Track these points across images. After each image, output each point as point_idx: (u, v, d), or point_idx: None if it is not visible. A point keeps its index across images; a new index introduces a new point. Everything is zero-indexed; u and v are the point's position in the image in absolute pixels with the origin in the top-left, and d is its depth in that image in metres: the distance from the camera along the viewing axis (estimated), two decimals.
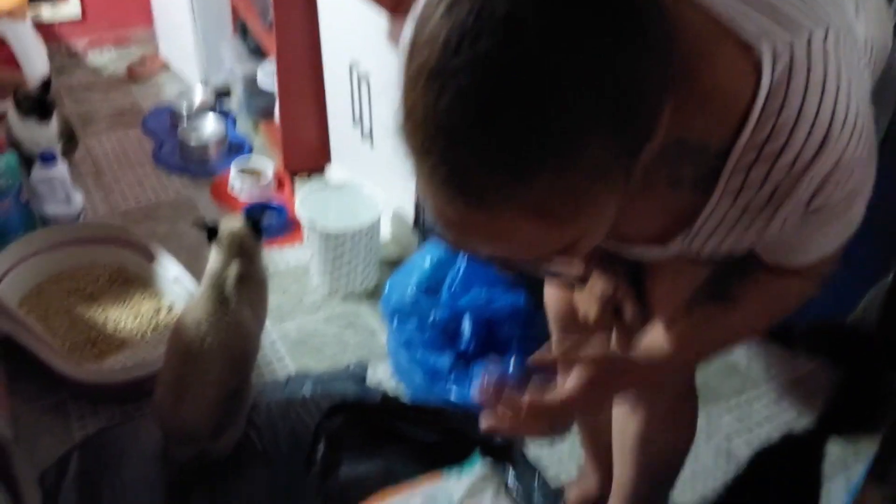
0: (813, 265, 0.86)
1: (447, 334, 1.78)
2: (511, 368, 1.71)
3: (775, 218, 0.75)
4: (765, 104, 0.69)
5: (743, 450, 1.66)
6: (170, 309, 1.85)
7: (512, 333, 1.75)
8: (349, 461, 1.44)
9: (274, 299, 1.59)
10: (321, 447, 1.41)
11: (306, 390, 1.60)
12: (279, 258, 2.15)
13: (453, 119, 0.56)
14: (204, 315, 1.38)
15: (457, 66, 0.55)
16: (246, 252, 1.46)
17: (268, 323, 1.67)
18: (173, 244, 2.03)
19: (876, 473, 1.19)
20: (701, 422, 1.74)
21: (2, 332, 1.67)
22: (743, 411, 1.76)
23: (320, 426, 1.44)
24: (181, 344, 1.37)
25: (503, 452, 1.51)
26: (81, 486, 1.38)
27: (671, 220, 0.81)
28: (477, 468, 1.45)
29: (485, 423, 0.90)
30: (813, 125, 0.69)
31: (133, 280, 1.93)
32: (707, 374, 1.18)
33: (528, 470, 1.47)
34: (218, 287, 1.42)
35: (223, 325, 1.38)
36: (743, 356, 1.88)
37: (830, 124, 0.69)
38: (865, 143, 0.73)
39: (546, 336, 1.59)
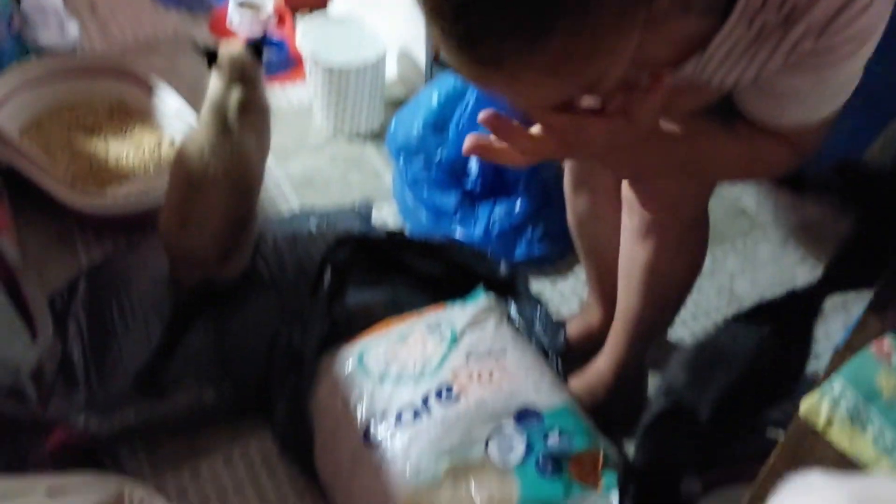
0: (796, 132, 0.86)
1: (454, 173, 1.75)
2: (517, 209, 1.70)
3: (784, 41, 0.74)
4: None
5: (745, 290, 1.68)
6: (172, 142, 1.82)
7: (519, 174, 1.72)
8: (355, 290, 1.46)
9: (277, 138, 1.56)
10: (327, 275, 1.42)
11: (312, 226, 1.59)
12: (281, 96, 2.10)
13: None
14: (206, 142, 1.35)
15: None
16: (247, 78, 1.41)
17: (272, 162, 1.64)
18: (172, 80, 1.97)
19: (877, 304, 1.19)
20: (705, 261, 1.75)
21: (3, 161, 1.66)
22: (748, 253, 1.76)
23: (327, 257, 1.44)
24: (184, 171, 1.35)
25: (506, 287, 1.52)
26: (90, 308, 1.41)
27: (684, 47, 0.80)
28: (480, 300, 1.46)
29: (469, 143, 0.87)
30: None
31: (133, 113, 1.89)
32: (714, 216, 1.18)
33: (530, 303, 1.49)
34: (219, 114, 1.38)
35: (226, 152, 1.35)
36: (752, 199, 1.87)
37: None
38: None
39: (553, 176, 1.57)
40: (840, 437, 0.94)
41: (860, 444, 0.93)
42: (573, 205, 1.36)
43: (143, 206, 1.62)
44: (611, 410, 1.39)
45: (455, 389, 1.27)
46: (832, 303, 1.67)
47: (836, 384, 0.96)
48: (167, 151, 1.80)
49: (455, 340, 1.37)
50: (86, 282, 1.45)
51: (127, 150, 1.79)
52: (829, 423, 0.95)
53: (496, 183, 1.74)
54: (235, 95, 1.40)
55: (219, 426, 1.39)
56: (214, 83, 1.42)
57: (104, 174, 1.73)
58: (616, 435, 1.32)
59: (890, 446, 0.91)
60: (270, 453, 1.36)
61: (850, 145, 1.72)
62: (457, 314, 1.42)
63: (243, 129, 1.38)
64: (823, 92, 0.81)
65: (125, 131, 1.85)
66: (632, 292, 1.28)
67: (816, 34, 0.73)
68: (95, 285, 1.45)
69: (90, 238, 1.67)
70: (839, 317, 1.65)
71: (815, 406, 0.97)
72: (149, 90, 1.88)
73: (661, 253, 1.21)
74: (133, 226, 1.65)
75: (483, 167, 1.73)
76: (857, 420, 0.93)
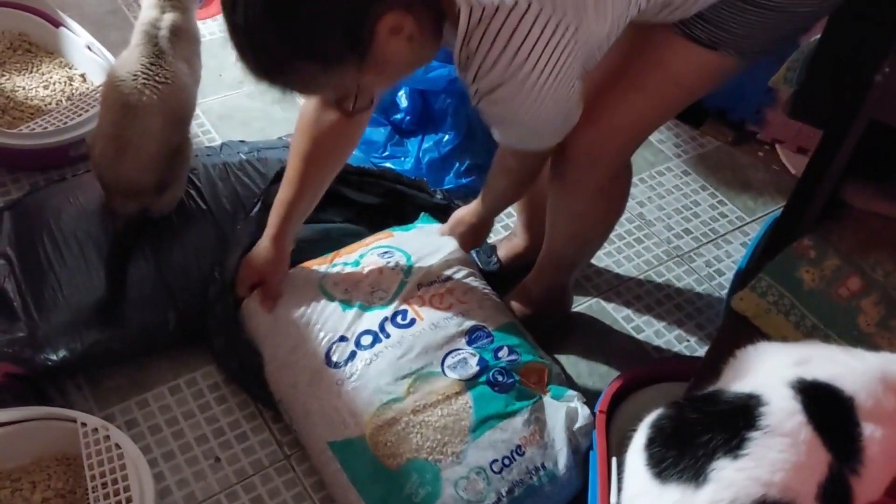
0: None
1: (382, 109, 1.78)
2: (446, 141, 1.75)
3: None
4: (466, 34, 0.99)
5: (653, 215, 1.81)
6: (83, 78, 1.75)
7: (446, 110, 1.76)
8: None
9: None
10: (256, 209, 1.40)
11: (242, 155, 1.58)
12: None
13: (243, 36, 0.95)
14: (139, 67, 1.32)
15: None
16: (180, 3, 1.39)
17: None
18: (74, 14, 1.89)
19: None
20: None
21: None
22: (655, 181, 1.89)
23: (265, 192, 1.42)
24: (118, 97, 1.31)
25: (442, 214, 1.56)
26: (18, 242, 1.35)
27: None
28: (427, 226, 1.49)
29: None
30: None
31: (38, 48, 1.80)
32: None
33: None
34: (152, 39, 1.35)
35: (160, 77, 1.33)
36: (656, 133, 2.00)
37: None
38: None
39: (476, 112, 1.61)
40: (767, 324, 1.06)
41: (785, 329, 1.05)
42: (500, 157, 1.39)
43: (61, 140, 1.57)
44: (538, 324, 1.46)
45: (410, 314, 1.31)
46: (730, 224, 1.82)
47: (763, 279, 1.08)
48: (80, 86, 1.73)
49: (411, 267, 1.39)
50: (10, 217, 1.39)
51: (36, 86, 1.71)
52: (758, 313, 1.07)
53: (424, 118, 1.78)
54: (168, 20, 1.37)
55: (162, 358, 1.39)
56: (147, 7, 1.38)
57: (13, 110, 1.65)
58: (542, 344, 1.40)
59: (810, 329, 1.04)
60: (218, 381, 1.37)
61: (747, 78, 1.87)
62: (408, 241, 1.44)
63: (176, 55, 1.36)
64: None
65: (31, 67, 1.76)
66: (557, 233, 1.35)
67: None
68: (21, 219, 1.39)
69: (5, 177, 1.60)
70: (737, 238, 1.80)
71: (746, 299, 1.08)
72: (53, 23, 1.79)
73: (584, 202, 1.27)
74: (51, 161, 1.60)
75: (412, 103, 1.76)
76: (781, 309, 1.06)
